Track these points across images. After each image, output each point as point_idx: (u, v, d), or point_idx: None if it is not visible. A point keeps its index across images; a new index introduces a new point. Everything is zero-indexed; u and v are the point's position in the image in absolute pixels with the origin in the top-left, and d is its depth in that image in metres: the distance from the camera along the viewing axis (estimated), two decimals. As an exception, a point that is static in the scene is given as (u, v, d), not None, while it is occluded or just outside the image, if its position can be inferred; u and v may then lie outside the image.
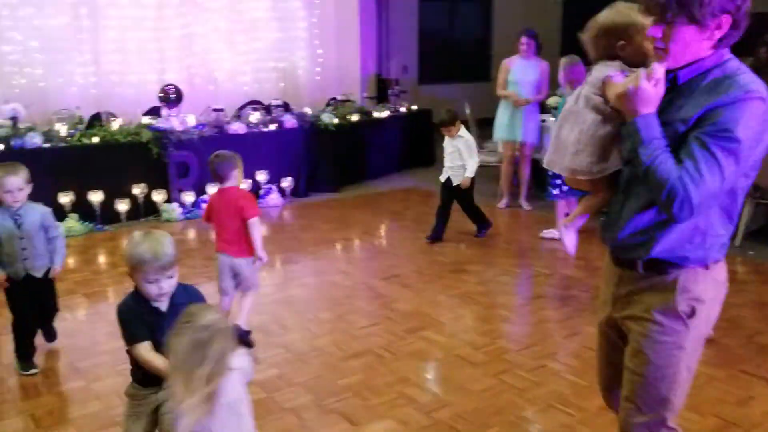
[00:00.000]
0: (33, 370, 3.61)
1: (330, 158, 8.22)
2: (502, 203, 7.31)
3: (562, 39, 12.50)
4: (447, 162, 6.10)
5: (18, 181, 3.44)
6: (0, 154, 6.27)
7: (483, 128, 8.26)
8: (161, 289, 2.31)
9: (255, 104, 8.70)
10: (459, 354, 3.84)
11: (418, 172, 9.29)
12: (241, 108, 8.53)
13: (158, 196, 6.87)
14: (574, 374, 3.57)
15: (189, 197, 7.01)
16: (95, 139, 6.80)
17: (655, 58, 1.89)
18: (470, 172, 5.98)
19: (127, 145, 6.89)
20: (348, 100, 9.19)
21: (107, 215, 6.61)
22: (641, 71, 1.85)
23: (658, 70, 1.83)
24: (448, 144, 6.09)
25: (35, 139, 6.45)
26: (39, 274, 3.59)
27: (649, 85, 1.82)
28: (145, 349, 2.30)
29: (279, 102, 8.49)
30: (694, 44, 1.83)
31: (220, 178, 3.95)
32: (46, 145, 6.53)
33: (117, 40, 9.04)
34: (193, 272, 5.33)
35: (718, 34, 1.82)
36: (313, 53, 10.67)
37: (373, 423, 3.12)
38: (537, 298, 4.73)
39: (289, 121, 7.94)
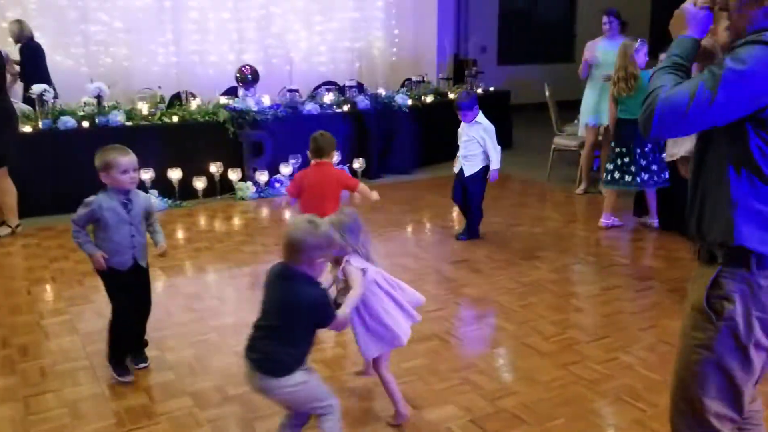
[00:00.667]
0: (130, 377, 3.34)
1: (403, 140, 8.17)
2: (580, 189, 7.10)
3: (651, 17, 12.00)
4: (462, 150, 5.50)
5: (134, 161, 3.23)
6: (85, 131, 6.52)
7: (563, 111, 8.02)
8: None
9: (330, 85, 8.72)
10: (527, 343, 3.74)
11: (492, 156, 9.12)
12: (316, 88, 8.56)
13: (233, 175, 7.00)
14: (647, 368, 3.42)
15: (263, 176, 7.10)
16: (175, 118, 6.97)
17: None
18: (495, 163, 5.42)
19: (204, 125, 7.03)
20: (423, 81, 9.09)
21: (185, 192, 6.78)
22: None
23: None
24: (463, 130, 5.49)
25: (118, 117, 6.65)
26: (144, 264, 3.38)
27: (691, 6, 1.89)
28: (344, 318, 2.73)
29: (353, 82, 8.48)
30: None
31: (321, 154, 4.07)
32: (129, 123, 6.73)
33: (197, 21, 9.24)
34: (265, 249, 5.41)
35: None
36: (389, 33, 10.60)
37: (435, 408, 3.07)
38: (612, 289, 4.56)
39: (363, 102, 7.92)
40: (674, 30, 1.94)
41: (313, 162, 4.14)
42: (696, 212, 1.94)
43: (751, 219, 1.80)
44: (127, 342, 3.42)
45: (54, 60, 8.46)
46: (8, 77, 5.89)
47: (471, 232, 5.60)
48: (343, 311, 2.61)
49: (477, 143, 5.38)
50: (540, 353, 3.60)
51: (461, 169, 5.50)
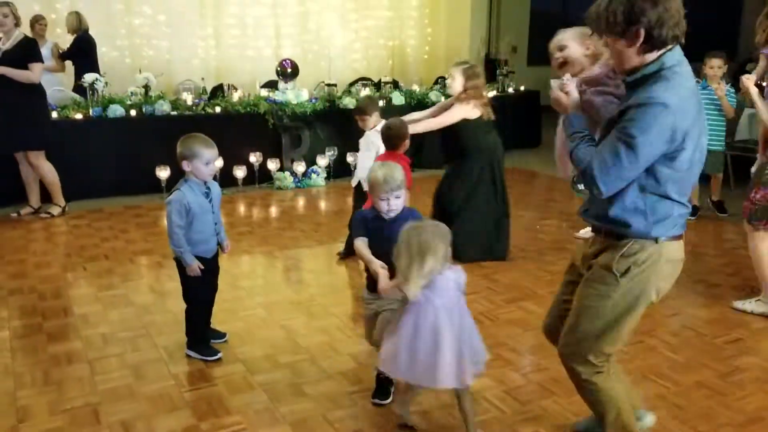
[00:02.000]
0: (219, 354, 3.47)
1: (435, 135, 8.35)
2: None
3: (688, 21, 12.06)
4: (365, 161, 4.80)
5: (216, 153, 3.32)
6: (131, 119, 6.83)
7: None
8: (389, 206, 2.82)
9: (365, 80, 8.95)
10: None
11: (523, 153, 9.31)
12: (352, 84, 8.80)
13: (272, 165, 7.27)
14: (671, 350, 3.60)
15: (300, 167, 7.36)
16: (217, 109, 7.26)
17: (562, 71, 2.52)
18: (361, 171, 4.74)
19: (245, 116, 7.30)
20: (455, 79, 9.27)
21: (225, 180, 7.05)
22: (554, 83, 2.44)
23: (568, 81, 2.42)
24: (366, 139, 4.92)
25: (164, 107, 6.94)
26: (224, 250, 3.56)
27: (561, 94, 2.41)
28: (361, 242, 2.84)
29: (389, 79, 8.70)
30: (625, 53, 2.19)
31: (401, 145, 4.22)
32: (174, 113, 7.02)
33: (237, 16, 9.55)
34: (303, 235, 5.65)
35: (638, 43, 2.15)
36: (422, 32, 10.83)
37: (471, 380, 3.28)
38: (638, 279, 4.73)
39: (397, 98, 8.14)
40: (560, 109, 2.43)
41: (385, 153, 4.26)
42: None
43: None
44: (207, 324, 3.60)
45: (99, 51, 8.77)
46: (48, 65, 6.11)
47: (348, 249, 4.97)
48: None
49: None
50: (569, 335, 3.80)
51: (360, 183, 4.85)
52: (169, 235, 3.30)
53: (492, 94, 9.30)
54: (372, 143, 4.79)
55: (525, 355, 3.58)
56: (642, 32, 2.13)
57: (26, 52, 5.66)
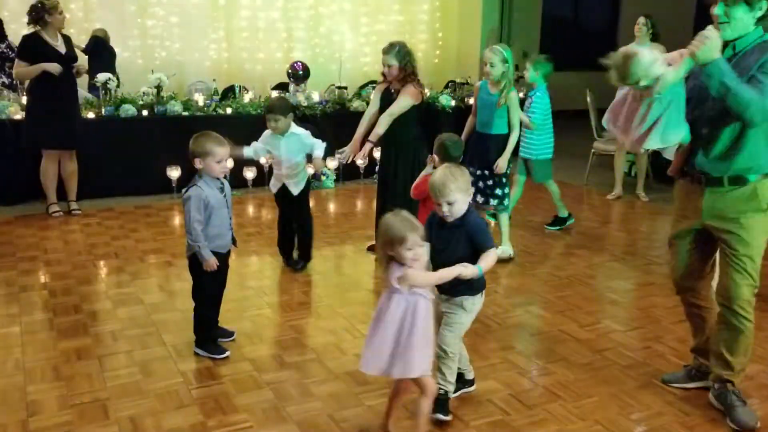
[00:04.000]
0: (227, 353, 3.50)
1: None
2: (612, 194, 7.21)
3: (695, 26, 12.04)
4: (282, 169, 4.70)
5: (228, 151, 3.37)
6: (144, 119, 6.87)
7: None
8: (443, 211, 2.82)
9: (375, 83, 8.95)
10: (564, 329, 3.94)
11: (531, 158, 9.30)
12: (362, 87, 8.82)
13: (282, 167, 7.28)
14: (678, 357, 3.59)
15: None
16: (228, 110, 7.29)
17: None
18: (320, 149, 4.66)
19: (256, 117, 7.31)
20: (466, 83, 9.30)
21: (236, 181, 7.05)
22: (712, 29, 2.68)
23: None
24: (280, 145, 4.67)
25: (176, 107, 6.99)
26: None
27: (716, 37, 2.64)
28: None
29: (399, 82, 8.71)
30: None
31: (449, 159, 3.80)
32: (185, 113, 7.06)
33: (249, 19, 9.60)
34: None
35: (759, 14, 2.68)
36: (433, 36, 10.85)
37: (477, 382, 3.28)
38: (647, 285, 4.73)
39: (408, 101, 8.15)
40: (710, 55, 2.62)
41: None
42: None
43: None
44: (216, 322, 3.62)
45: (112, 51, 8.90)
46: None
47: (306, 254, 4.90)
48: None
49: (300, 156, 4.70)
50: (576, 339, 3.80)
51: (283, 187, 4.75)
52: (187, 230, 3.33)
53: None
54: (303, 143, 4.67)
55: (532, 359, 3.58)
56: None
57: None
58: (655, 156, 7.47)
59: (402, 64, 4.79)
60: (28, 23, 5.75)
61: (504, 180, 5.03)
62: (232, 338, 3.69)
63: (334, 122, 7.58)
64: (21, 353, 3.50)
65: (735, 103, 2.61)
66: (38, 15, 5.65)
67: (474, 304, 3.00)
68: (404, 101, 4.80)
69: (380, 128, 4.83)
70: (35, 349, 3.56)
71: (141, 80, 7.76)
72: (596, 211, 6.81)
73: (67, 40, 5.92)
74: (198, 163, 3.32)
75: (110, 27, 8.83)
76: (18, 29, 7.27)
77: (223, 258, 3.47)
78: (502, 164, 4.94)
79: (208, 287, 3.51)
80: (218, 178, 3.40)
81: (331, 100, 7.81)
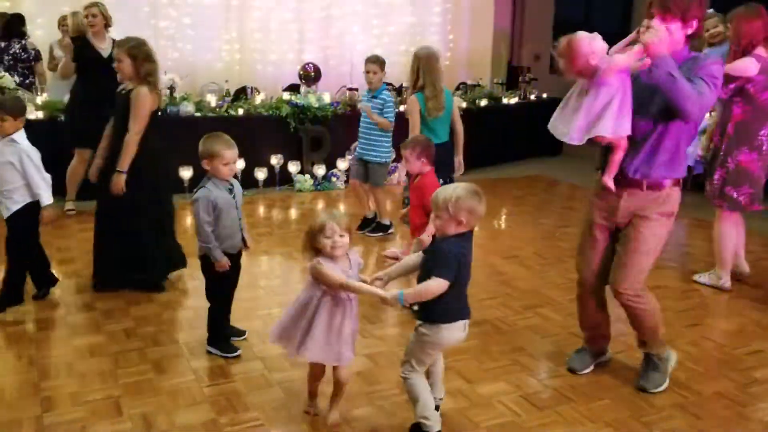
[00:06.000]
0: (238, 352, 3.52)
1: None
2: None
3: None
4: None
5: (236, 154, 3.36)
6: (156, 119, 6.89)
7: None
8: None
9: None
10: (574, 332, 3.92)
11: (543, 161, 9.31)
12: (374, 88, 8.81)
13: (293, 167, 7.32)
14: (690, 360, 3.59)
15: (320, 170, 7.41)
16: (240, 111, 7.32)
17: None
18: (47, 196, 3.94)
19: (267, 118, 7.37)
20: (477, 85, 9.30)
21: (247, 181, 7.07)
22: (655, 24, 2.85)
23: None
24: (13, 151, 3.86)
25: (188, 108, 7.03)
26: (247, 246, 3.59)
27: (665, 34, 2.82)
28: None
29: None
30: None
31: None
32: (197, 114, 7.10)
33: (261, 20, 9.62)
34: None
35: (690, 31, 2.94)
36: (444, 38, 10.84)
37: (487, 383, 3.30)
38: (659, 288, 4.70)
39: (419, 103, 8.16)
40: (656, 48, 2.79)
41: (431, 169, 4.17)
42: None
43: None
44: (227, 321, 3.64)
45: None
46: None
47: (12, 295, 4.05)
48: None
49: (14, 170, 3.86)
50: (587, 342, 3.80)
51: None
52: (197, 232, 3.35)
53: (514, 101, 9.33)
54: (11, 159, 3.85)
55: (542, 361, 3.58)
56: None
57: None
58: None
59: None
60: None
61: None
62: (243, 337, 3.71)
63: (345, 124, 7.60)
64: (35, 349, 3.53)
65: (677, 94, 2.78)
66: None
67: (428, 335, 2.68)
68: None
69: None
70: (49, 346, 3.59)
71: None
72: (607, 214, 6.79)
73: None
74: (206, 165, 3.33)
75: (123, 27, 8.82)
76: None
77: (234, 258, 3.48)
78: None
79: (220, 287, 3.53)
80: (227, 180, 3.39)
81: (343, 101, 7.83)
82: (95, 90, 5.79)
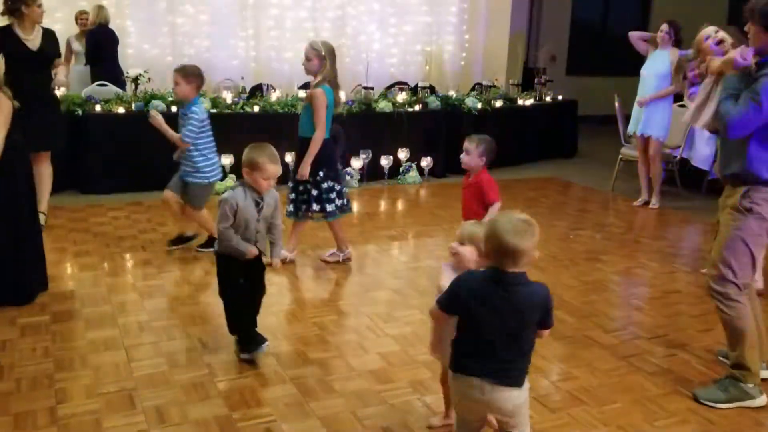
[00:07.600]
0: (248, 356, 3.43)
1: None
2: (638, 201, 7.16)
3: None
4: None
5: (279, 170, 3.31)
6: (173, 114, 6.92)
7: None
8: None
9: (402, 84, 8.98)
10: (589, 335, 3.92)
11: (558, 163, 9.27)
12: (389, 88, 8.84)
13: (307, 165, 7.32)
14: (704, 365, 3.57)
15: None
16: (255, 108, 7.35)
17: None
18: None
19: (283, 116, 7.38)
20: (493, 86, 9.28)
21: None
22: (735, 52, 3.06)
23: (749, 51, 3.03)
24: None
25: (204, 104, 7.04)
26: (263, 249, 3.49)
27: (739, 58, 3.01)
28: None
29: (426, 84, 8.73)
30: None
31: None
32: (213, 111, 7.12)
33: (277, 18, 9.67)
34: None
35: None
36: (460, 38, 10.85)
37: (500, 384, 3.28)
38: (673, 293, 4.69)
39: (434, 103, 8.16)
40: (726, 69, 3.07)
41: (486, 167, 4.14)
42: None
43: None
44: (244, 324, 3.48)
45: (142, 48, 9.01)
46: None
47: None
48: None
49: None
50: (601, 345, 3.78)
51: None
52: (217, 230, 3.37)
53: (529, 102, 9.30)
54: None
55: (555, 363, 3.57)
56: None
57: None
58: (683, 164, 7.43)
59: None
60: (2, 14, 5.26)
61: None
62: (261, 349, 3.44)
63: (360, 122, 7.61)
64: (50, 341, 3.56)
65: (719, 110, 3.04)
66: (14, 6, 5.17)
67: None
68: None
69: None
70: (63, 338, 3.61)
71: (170, 77, 7.80)
72: (622, 217, 6.76)
73: (49, 35, 5.44)
74: (246, 174, 3.27)
75: (141, 23, 8.95)
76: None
77: (245, 267, 3.40)
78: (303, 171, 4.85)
79: (230, 288, 3.44)
80: (259, 192, 3.32)
81: (358, 100, 7.84)
82: (19, 87, 5.09)
